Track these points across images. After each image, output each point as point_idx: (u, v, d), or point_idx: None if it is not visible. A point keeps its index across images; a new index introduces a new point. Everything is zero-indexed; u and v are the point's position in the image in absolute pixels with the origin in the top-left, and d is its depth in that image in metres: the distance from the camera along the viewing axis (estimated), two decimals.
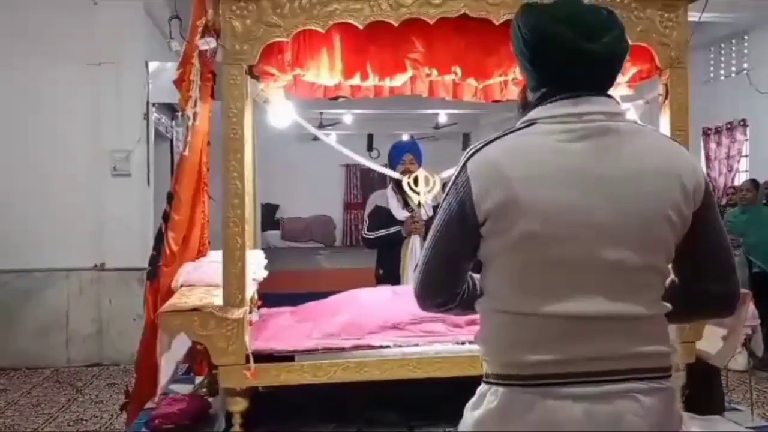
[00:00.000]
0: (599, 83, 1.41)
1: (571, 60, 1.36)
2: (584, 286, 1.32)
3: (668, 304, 1.40)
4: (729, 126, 8.62)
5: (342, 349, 2.57)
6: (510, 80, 2.95)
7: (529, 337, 1.34)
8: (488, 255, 1.40)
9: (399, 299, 2.98)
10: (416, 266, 1.51)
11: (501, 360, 1.39)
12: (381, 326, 2.69)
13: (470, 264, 1.47)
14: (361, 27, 2.46)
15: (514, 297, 1.37)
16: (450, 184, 1.42)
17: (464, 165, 1.39)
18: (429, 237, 1.46)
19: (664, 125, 2.66)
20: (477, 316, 2.61)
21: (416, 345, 2.62)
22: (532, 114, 1.41)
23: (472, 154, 1.39)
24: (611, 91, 1.44)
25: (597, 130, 1.36)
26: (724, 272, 1.45)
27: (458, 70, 2.71)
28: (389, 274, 3.93)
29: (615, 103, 1.42)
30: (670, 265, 1.43)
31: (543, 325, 1.33)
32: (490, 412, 1.37)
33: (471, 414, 1.42)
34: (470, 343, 2.63)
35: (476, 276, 1.51)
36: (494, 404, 1.37)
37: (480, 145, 1.40)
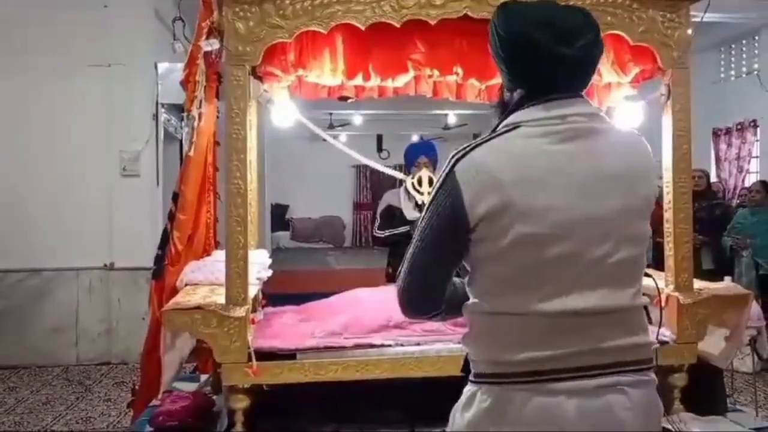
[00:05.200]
0: (575, 85, 1.44)
1: (546, 63, 1.38)
2: (575, 283, 1.35)
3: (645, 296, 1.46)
4: (739, 126, 8.56)
5: (344, 348, 2.59)
6: None
7: (522, 336, 1.35)
8: (478, 258, 1.40)
9: None
10: (398, 273, 1.49)
11: (493, 359, 1.39)
12: (382, 325, 2.70)
13: (455, 269, 1.48)
14: (363, 28, 2.48)
15: (505, 298, 1.38)
16: (436, 190, 1.41)
17: (451, 170, 1.37)
18: (413, 244, 1.44)
19: (667, 126, 2.66)
20: None
21: (417, 344, 2.64)
22: (514, 117, 1.42)
23: (459, 159, 1.38)
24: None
25: (581, 131, 1.39)
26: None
27: (460, 71, 2.72)
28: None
29: (591, 105, 1.46)
30: None
31: (536, 322, 1.34)
32: (484, 411, 1.37)
33: (462, 415, 1.42)
34: None
35: (458, 280, 1.51)
36: (487, 403, 1.37)
37: (465, 150, 1.39)
